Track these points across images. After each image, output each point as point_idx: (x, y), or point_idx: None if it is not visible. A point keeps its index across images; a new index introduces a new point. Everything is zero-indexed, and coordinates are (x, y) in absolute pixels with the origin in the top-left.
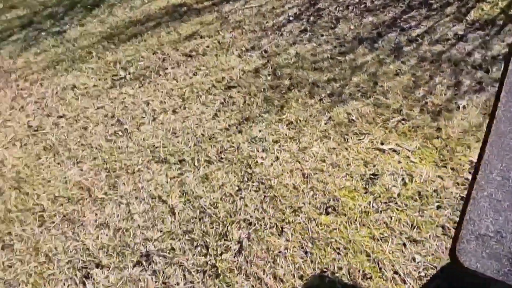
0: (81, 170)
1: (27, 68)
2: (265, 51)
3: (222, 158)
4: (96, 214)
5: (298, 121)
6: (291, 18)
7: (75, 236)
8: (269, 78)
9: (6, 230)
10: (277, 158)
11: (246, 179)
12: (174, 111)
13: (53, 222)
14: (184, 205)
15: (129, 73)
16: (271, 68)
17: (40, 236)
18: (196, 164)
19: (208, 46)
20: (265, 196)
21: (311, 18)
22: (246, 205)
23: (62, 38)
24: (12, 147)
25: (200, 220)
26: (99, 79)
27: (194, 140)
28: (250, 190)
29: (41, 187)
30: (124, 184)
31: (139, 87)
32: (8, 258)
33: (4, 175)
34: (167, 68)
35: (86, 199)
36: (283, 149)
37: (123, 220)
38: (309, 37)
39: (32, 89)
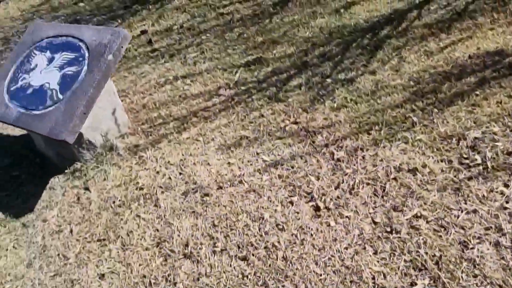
0: None
1: (334, 129)
2: None
3: None
4: None
5: None
6: None
7: None
8: None
9: None
10: None
11: None
12: None
13: None
14: None
15: (487, 158)
16: None
17: None
18: None
19: None
20: None
21: None
22: None
23: (356, 89)
24: (363, 252)
25: None
26: (441, 161)
27: None
28: None
29: None
30: None
31: None
32: None
33: None
34: None
35: None
36: None
37: None
38: None
39: (354, 163)
